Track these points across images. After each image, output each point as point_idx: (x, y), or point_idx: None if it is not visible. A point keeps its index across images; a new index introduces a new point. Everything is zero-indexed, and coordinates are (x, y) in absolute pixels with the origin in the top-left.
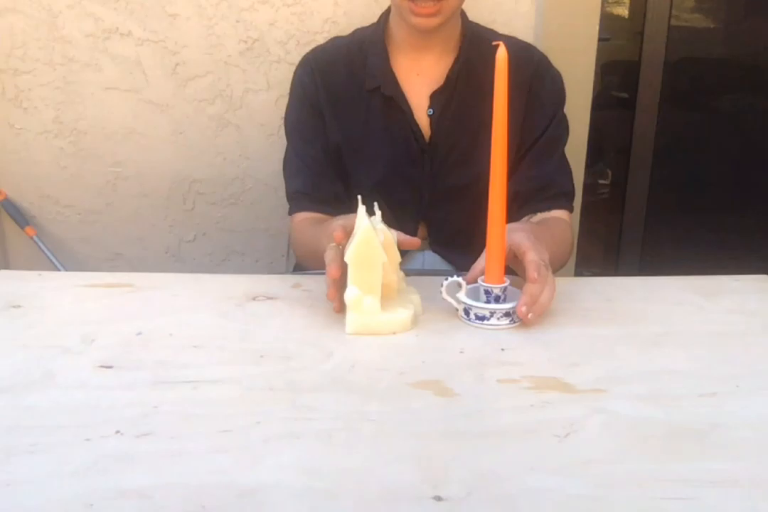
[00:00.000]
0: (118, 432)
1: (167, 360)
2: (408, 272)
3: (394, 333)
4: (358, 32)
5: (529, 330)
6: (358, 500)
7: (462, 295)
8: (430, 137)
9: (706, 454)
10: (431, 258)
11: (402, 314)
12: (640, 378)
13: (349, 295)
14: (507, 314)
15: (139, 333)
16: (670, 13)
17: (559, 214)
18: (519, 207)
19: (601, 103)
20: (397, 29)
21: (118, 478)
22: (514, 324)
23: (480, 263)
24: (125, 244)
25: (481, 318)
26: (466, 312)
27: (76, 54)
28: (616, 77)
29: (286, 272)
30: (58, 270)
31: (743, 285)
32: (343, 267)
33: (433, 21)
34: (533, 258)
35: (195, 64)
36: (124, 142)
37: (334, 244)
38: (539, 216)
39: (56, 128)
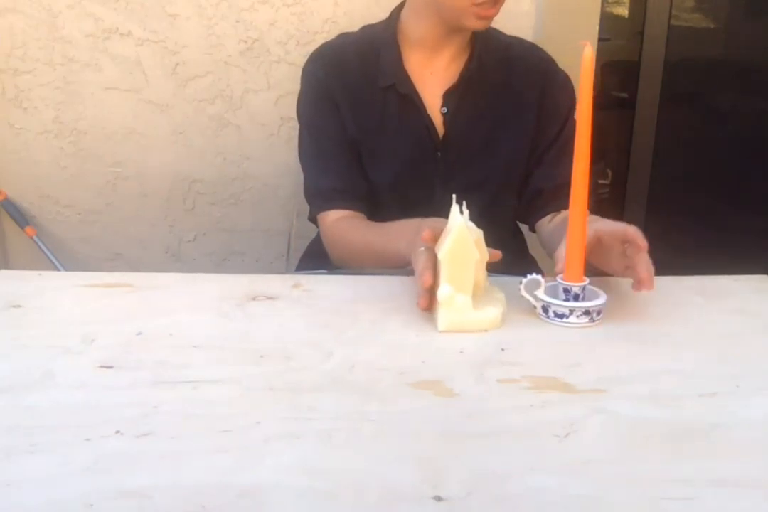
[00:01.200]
0: (118, 432)
1: (167, 360)
2: (410, 272)
3: (485, 330)
4: (367, 29)
5: (529, 330)
6: (358, 500)
7: (541, 293)
8: (444, 135)
9: (706, 454)
10: None
11: (492, 312)
12: (640, 378)
13: (442, 293)
14: (586, 312)
15: (139, 333)
16: (670, 13)
17: None
18: (544, 204)
19: (601, 103)
20: (415, 28)
21: (118, 478)
22: (593, 323)
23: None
24: (125, 244)
25: (560, 316)
26: (545, 309)
27: (76, 54)
28: (616, 77)
29: (286, 272)
30: (58, 270)
31: (743, 285)
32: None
33: (489, 22)
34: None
35: (195, 64)
36: (124, 142)
37: (423, 249)
38: (564, 213)
39: (56, 128)
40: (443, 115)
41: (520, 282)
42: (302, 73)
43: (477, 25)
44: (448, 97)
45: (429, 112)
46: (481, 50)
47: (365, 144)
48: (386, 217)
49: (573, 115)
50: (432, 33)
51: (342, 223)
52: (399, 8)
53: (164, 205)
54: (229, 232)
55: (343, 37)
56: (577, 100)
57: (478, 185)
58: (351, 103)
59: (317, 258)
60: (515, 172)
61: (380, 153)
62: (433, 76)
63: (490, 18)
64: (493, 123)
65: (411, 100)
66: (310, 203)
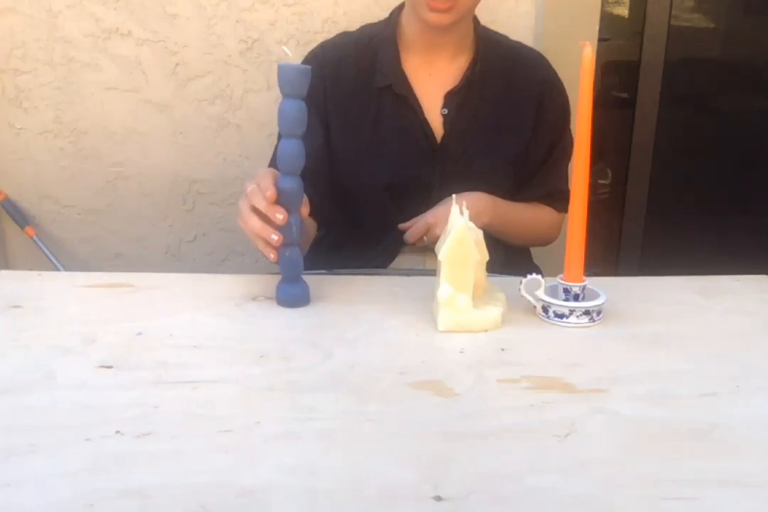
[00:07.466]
0: (118, 432)
1: (167, 360)
2: (410, 272)
3: (485, 330)
4: (367, 28)
5: (529, 330)
6: (358, 500)
7: (541, 293)
8: (443, 137)
9: (707, 454)
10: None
11: (493, 312)
12: (640, 378)
13: (442, 293)
14: (586, 312)
15: (140, 334)
16: (670, 13)
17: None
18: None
19: (601, 103)
20: (409, 28)
21: (118, 478)
22: (593, 323)
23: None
24: (125, 244)
25: (560, 316)
26: (545, 309)
27: (76, 54)
28: (616, 77)
29: None
30: (58, 270)
31: (743, 285)
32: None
33: (447, 18)
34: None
35: (195, 64)
36: (124, 142)
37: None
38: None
39: (56, 128)
40: (443, 116)
41: (520, 283)
42: None
43: (431, 18)
44: (450, 98)
45: (426, 113)
46: (485, 53)
47: (359, 146)
48: (382, 218)
49: (567, 130)
50: (420, 32)
51: None
52: (399, 8)
53: (164, 205)
54: (229, 232)
55: (342, 36)
56: (577, 101)
57: (474, 187)
58: (343, 104)
59: (310, 257)
60: (510, 176)
61: (374, 153)
62: (431, 77)
63: (442, 11)
64: (493, 127)
65: (407, 101)
66: None
